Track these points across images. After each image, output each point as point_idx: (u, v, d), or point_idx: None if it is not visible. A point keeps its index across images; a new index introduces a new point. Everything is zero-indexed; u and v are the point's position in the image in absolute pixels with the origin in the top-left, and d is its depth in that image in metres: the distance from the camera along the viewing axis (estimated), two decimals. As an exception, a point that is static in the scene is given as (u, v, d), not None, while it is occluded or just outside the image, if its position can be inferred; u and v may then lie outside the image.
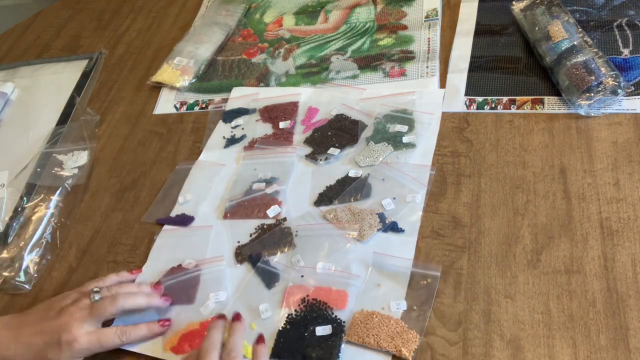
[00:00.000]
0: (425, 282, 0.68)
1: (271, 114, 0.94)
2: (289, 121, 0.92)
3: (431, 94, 0.90)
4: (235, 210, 0.81)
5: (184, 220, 0.82)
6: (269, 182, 0.84)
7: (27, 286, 0.81)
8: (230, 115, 0.96)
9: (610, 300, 0.63)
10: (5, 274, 0.82)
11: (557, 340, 0.62)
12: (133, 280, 0.76)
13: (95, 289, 0.70)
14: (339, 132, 0.88)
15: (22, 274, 0.82)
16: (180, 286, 0.74)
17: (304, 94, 0.96)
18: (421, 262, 0.70)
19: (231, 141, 0.92)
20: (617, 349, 0.60)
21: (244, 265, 0.75)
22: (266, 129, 0.92)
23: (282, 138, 0.90)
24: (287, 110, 0.94)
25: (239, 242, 0.78)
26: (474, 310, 0.66)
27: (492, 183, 0.77)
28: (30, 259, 0.83)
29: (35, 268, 0.82)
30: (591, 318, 0.62)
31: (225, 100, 0.99)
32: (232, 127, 0.94)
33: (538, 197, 0.74)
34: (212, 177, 0.87)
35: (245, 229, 0.79)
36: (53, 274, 0.82)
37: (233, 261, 0.76)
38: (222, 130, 0.94)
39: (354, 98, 0.93)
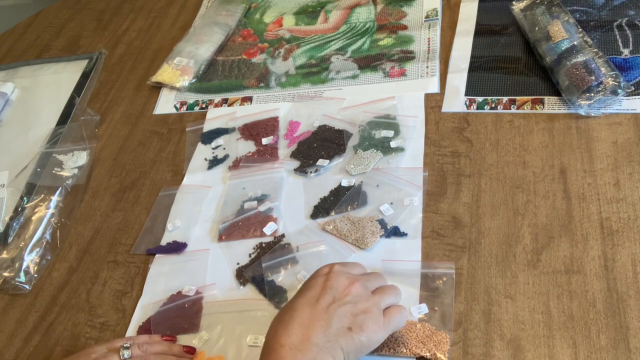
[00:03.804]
0: (441, 281, 0.68)
1: (252, 131, 0.93)
2: (271, 137, 0.90)
3: (412, 97, 0.90)
4: (230, 232, 0.80)
5: (176, 248, 0.80)
6: (260, 199, 0.82)
7: (27, 286, 0.81)
8: (209, 137, 0.94)
9: (611, 300, 0.63)
10: (5, 274, 0.82)
11: (557, 340, 0.62)
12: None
13: (124, 345, 0.66)
14: (324, 143, 0.87)
15: (22, 274, 0.82)
16: (182, 314, 0.73)
17: (282, 109, 0.95)
18: (432, 261, 0.70)
19: (214, 162, 0.90)
20: (617, 349, 0.60)
21: (247, 287, 0.74)
22: (249, 146, 0.91)
23: (267, 154, 0.89)
24: (268, 126, 0.93)
25: (238, 263, 0.76)
26: (474, 310, 0.66)
27: (492, 183, 0.77)
28: (30, 259, 0.83)
29: (35, 268, 0.82)
30: (591, 318, 0.62)
31: (204, 117, 0.97)
32: (213, 148, 0.92)
33: (538, 197, 0.74)
34: (200, 200, 0.85)
35: (243, 250, 0.78)
36: (53, 274, 0.82)
37: (235, 284, 0.75)
38: (202, 152, 0.92)
39: (335, 108, 0.92)
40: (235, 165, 0.89)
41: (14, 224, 0.88)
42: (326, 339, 0.56)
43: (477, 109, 0.86)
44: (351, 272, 0.63)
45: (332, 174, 0.84)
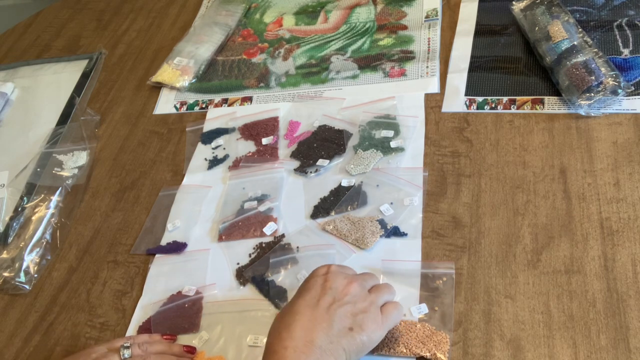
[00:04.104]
0: (441, 281, 0.68)
1: (252, 131, 0.93)
2: (271, 137, 0.90)
3: (412, 97, 0.90)
4: (230, 232, 0.80)
5: (176, 248, 0.79)
6: (260, 199, 0.82)
7: (27, 286, 0.81)
8: (209, 137, 0.94)
9: (611, 300, 0.63)
10: (6, 274, 0.82)
11: (557, 340, 0.62)
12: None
13: (125, 344, 0.66)
14: (325, 143, 0.87)
15: (22, 274, 0.82)
16: (182, 314, 0.72)
17: (282, 109, 0.95)
18: (432, 261, 0.70)
19: (214, 162, 0.90)
20: (617, 349, 0.60)
21: (247, 287, 0.74)
22: (249, 146, 0.91)
23: (267, 154, 0.88)
24: (268, 126, 0.92)
25: (238, 263, 0.76)
26: (474, 310, 0.66)
27: (492, 183, 0.77)
28: (30, 259, 0.83)
29: (36, 268, 0.82)
30: (591, 318, 0.62)
31: (204, 117, 0.97)
32: (213, 148, 0.92)
33: (538, 197, 0.74)
34: (200, 200, 0.85)
35: (243, 250, 0.77)
36: (53, 274, 0.82)
37: (235, 284, 0.74)
38: (202, 152, 0.92)
39: (335, 108, 0.92)
40: (235, 165, 0.89)
41: (14, 224, 0.88)
42: (328, 340, 0.56)
43: (477, 109, 0.86)
44: (347, 272, 0.64)
45: (332, 174, 0.84)
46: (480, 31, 0.97)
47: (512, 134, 0.81)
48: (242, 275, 0.75)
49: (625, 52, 0.87)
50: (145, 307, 0.75)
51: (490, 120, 0.84)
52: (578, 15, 0.93)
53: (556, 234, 0.70)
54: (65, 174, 0.93)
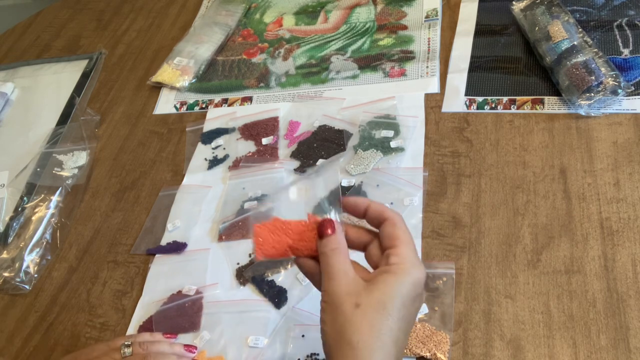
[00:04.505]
0: (441, 281, 0.68)
1: (252, 131, 0.93)
2: (271, 137, 0.90)
3: (412, 97, 0.90)
4: (230, 232, 0.80)
5: (176, 248, 0.79)
6: (260, 199, 0.82)
7: (27, 286, 0.81)
8: (209, 137, 0.94)
9: (611, 300, 0.63)
10: (6, 274, 0.82)
11: (557, 340, 0.62)
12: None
13: (126, 342, 0.65)
14: (324, 143, 0.87)
15: (22, 274, 0.82)
16: (183, 313, 0.72)
17: (282, 109, 0.95)
18: (432, 262, 0.70)
19: (214, 162, 0.90)
20: (617, 349, 0.60)
21: (247, 287, 0.74)
22: (249, 146, 0.91)
23: (267, 154, 0.88)
24: (268, 126, 0.93)
25: (238, 263, 0.76)
26: (474, 310, 0.66)
27: (492, 183, 0.77)
28: (30, 259, 0.83)
29: (36, 268, 0.82)
30: (591, 318, 0.62)
31: (204, 117, 0.97)
32: (213, 148, 0.92)
33: (538, 197, 0.74)
34: (200, 200, 0.85)
35: (243, 250, 0.77)
36: (53, 274, 0.82)
37: (235, 284, 0.75)
38: (202, 152, 0.92)
39: (335, 108, 0.92)
40: (235, 165, 0.89)
41: (14, 224, 0.88)
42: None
43: (477, 109, 0.86)
44: None
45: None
46: (480, 31, 0.97)
47: (512, 134, 0.81)
48: (242, 275, 0.75)
49: (625, 52, 0.87)
50: (146, 306, 0.75)
51: (490, 120, 0.84)
52: (578, 15, 0.93)
53: (556, 234, 0.70)
54: (65, 174, 0.93)
